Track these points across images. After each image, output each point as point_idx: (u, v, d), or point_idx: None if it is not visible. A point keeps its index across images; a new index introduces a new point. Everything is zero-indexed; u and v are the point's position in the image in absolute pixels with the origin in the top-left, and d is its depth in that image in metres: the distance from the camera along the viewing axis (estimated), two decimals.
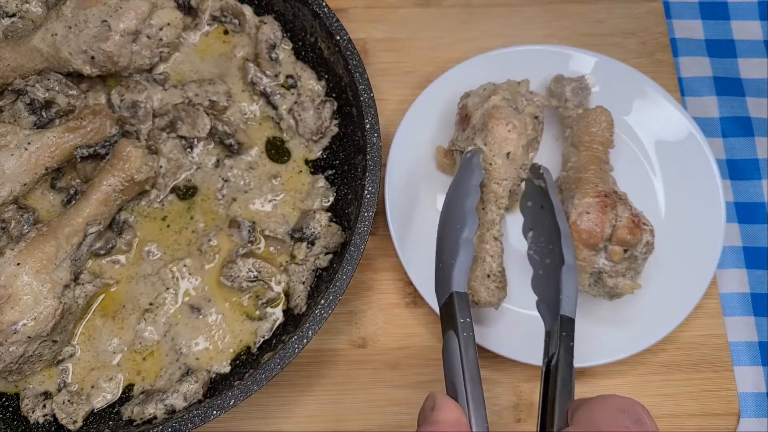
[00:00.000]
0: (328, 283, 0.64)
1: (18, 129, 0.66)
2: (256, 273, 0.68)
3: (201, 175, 0.72)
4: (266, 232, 0.70)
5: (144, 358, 0.66)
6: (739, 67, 0.89)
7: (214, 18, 0.77)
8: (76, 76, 0.72)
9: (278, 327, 0.68)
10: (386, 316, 0.75)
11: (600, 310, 0.72)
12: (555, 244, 0.62)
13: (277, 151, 0.74)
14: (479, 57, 0.80)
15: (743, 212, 0.82)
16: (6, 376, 0.62)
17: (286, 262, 0.70)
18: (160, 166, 0.70)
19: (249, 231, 0.69)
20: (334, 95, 0.75)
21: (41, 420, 0.63)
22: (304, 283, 0.68)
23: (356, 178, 0.69)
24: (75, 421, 0.63)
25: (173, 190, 0.72)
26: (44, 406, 0.63)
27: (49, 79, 0.70)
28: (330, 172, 0.74)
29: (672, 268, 0.73)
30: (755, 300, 0.78)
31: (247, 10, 0.77)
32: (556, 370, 0.55)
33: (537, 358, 0.69)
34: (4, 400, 0.64)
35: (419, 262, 0.71)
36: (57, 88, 0.70)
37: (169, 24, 0.71)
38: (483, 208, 0.69)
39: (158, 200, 0.71)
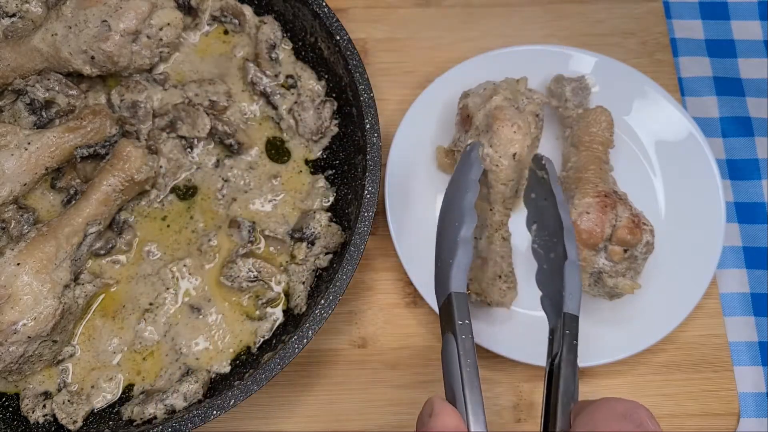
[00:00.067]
0: (328, 283, 0.64)
1: (18, 129, 0.66)
2: (256, 273, 0.68)
3: (201, 175, 0.72)
4: (266, 232, 0.70)
5: (144, 358, 0.66)
6: (739, 67, 0.89)
7: (214, 18, 0.77)
8: (76, 76, 0.72)
9: (278, 327, 0.68)
10: (386, 316, 0.75)
11: (600, 310, 0.72)
12: (558, 238, 0.61)
13: (277, 151, 0.74)
14: (479, 57, 0.80)
15: (743, 212, 0.82)
16: (6, 376, 0.62)
17: (286, 262, 0.70)
18: (160, 166, 0.70)
19: (249, 231, 0.69)
20: (334, 95, 0.75)
21: (41, 420, 0.63)
22: (304, 283, 0.68)
23: (356, 178, 0.69)
24: (75, 421, 0.63)
25: (173, 190, 0.72)
26: (44, 406, 0.63)
27: (49, 79, 0.70)
28: (330, 172, 0.74)
29: (672, 268, 0.73)
30: (755, 300, 0.78)
31: (247, 10, 0.77)
32: (559, 370, 0.54)
33: (537, 358, 0.69)
34: (4, 400, 0.64)
35: (419, 262, 0.71)
36: (57, 88, 0.70)
37: (169, 24, 0.71)
38: (490, 209, 0.70)
39: (158, 200, 0.71)
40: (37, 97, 0.70)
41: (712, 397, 0.73)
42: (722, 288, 0.78)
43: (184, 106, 0.72)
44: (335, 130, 0.75)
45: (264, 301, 0.68)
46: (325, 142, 0.75)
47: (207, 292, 0.68)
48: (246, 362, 0.66)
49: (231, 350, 0.67)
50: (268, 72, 0.75)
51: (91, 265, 0.68)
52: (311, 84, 0.76)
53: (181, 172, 0.72)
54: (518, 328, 0.71)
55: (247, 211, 0.71)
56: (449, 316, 0.54)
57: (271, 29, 0.75)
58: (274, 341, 0.67)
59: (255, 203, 0.72)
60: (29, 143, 0.66)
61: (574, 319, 0.57)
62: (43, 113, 0.70)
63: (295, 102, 0.74)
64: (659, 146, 0.78)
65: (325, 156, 0.74)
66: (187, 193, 0.72)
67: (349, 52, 0.70)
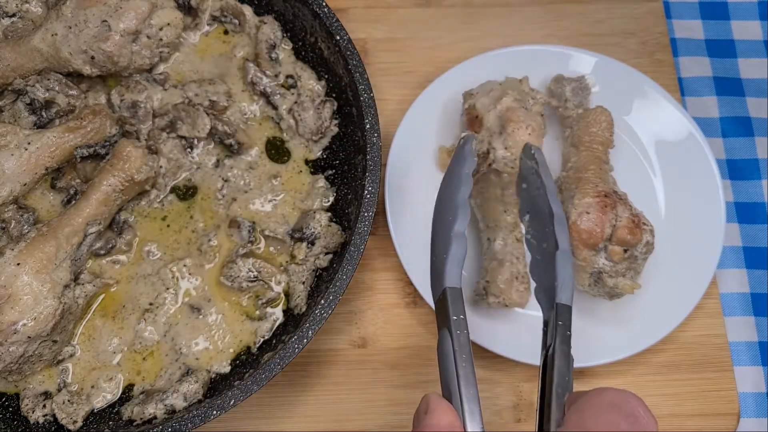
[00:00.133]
0: (328, 283, 0.64)
1: (18, 129, 0.66)
2: (256, 273, 0.68)
3: (201, 175, 0.72)
4: (266, 232, 0.70)
5: (144, 358, 0.66)
6: (739, 67, 0.89)
7: (214, 18, 0.77)
8: (76, 76, 0.72)
9: (278, 327, 0.68)
10: (386, 316, 0.75)
11: (600, 310, 0.72)
12: (550, 228, 0.61)
13: (277, 151, 0.74)
14: (479, 57, 0.80)
15: (743, 212, 0.82)
16: (6, 376, 0.62)
17: (286, 262, 0.70)
18: (160, 166, 0.70)
19: (249, 231, 0.69)
20: (334, 95, 0.75)
21: (41, 420, 0.63)
22: (304, 283, 0.68)
23: (356, 178, 0.69)
24: (75, 421, 0.63)
25: (173, 190, 0.72)
26: (44, 406, 0.63)
27: (49, 79, 0.70)
28: (330, 172, 0.74)
29: (672, 268, 0.73)
30: (755, 300, 0.78)
31: (247, 10, 0.77)
32: (552, 362, 0.54)
33: (537, 358, 0.68)
34: (4, 400, 0.64)
35: (419, 262, 0.71)
36: (57, 88, 0.70)
37: (169, 24, 0.71)
38: (504, 211, 0.70)
39: (158, 200, 0.71)
40: (37, 97, 0.70)
41: (712, 397, 0.73)
42: (722, 288, 0.78)
43: (184, 106, 0.72)
44: (335, 130, 0.75)
45: (264, 301, 0.68)
46: (325, 142, 0.75)
47: (207, 292, 0.68)
48: (246, 362, 0.66)
49: (231, 350, 0.67)
50: (268, 72, 0.75)
51: (91, 265, 0.68)
52: (311, 84, 0.76)
53: (181, 172, 0.72)
54: (518, 328, 0.71)
55: (247, 211, 0.71)
56: (444, 312, 0.54)
57: (271, 29, 0.75)
58: (274, 341, 0.67)
59: (255, 203, 0.72)
60: (29, 143, 0.66)
61: (567, 310, 0.57)
62: (43, 113, 0.70)
63: (295, 102, 0.74)
64: (659, 146, 0.78)
65: (325, 156, 0.74)
66: (187, 193, 0.72)
67: (349, 52, 0.70)
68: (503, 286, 0.68)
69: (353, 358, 0.73)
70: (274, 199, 0.72)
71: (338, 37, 0.70)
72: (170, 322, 0.67)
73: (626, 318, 0.72)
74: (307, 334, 0.61)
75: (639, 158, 0.78)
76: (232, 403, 0.58)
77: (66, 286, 0.62)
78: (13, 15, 0.74)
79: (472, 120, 0.73)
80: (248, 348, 0.67)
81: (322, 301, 0.62)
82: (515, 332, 0.71)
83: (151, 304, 0.67)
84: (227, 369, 0.66)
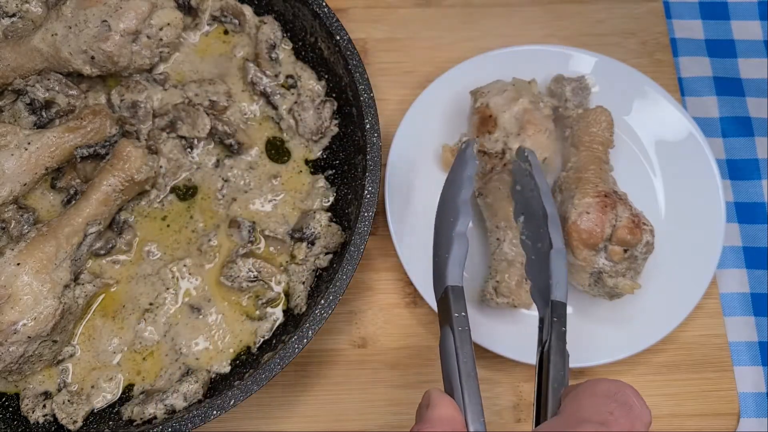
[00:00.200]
0: (328, 283, 0.64)
1: (18, 129, 0.66)
2: (256, 273, 0.68)
3: (201, 175, 0.72)
4: (266, 232, 0.70)
5: (144, 358, 0.66)
6: (739, 67, 0.89)
7: (214, 18, 0.77)
8: (76, 76, 0.72)
9: (278, 327, 0.68)
10: (386, 316, 0.75)
11: (600, 310, 0.72)
12: (544, 228, 0.62)
13: (277, 151, 0.74)
14: (479, 57, 0.80)
15: (743, 212, 0.82)
16: (6, 376, 0.62)
17: (286, 262, 0.70)
18: (160, 166, 0.70)
19: (249, 231, 0.69)
20: (334, 95, 0.75)
21: (41, 420, 0.63)
22: (304, 283, 0.68)
23: (356, 178, 0.69)
24: (75, 421, 0.63)
25: (173, 190, 0.72)
26: (44, 406, 0.63)
27: (49, 79, 0.70)
28: (330, 172, 0.74)
29: (672, 268, 0.73)
30: (755, 300, 0.78)
31: (247, 10, 0.77)
32: (548, 357, 0.54)
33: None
34: (4, 400, 0.64)
35: (419, 262, 0.71)
36: (57, 88, 0.70)
37: (169, 24, 0.71)
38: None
39: (158, 200, 0.71)
40: (37, 97, 0.70)
41: (712, 397, 0.73)
42: (722, 288, 0.78)
43: (184, 106, 0.72)
44: (335, 130, 0.75)
45: (264, 301, 0.68)
46: (325, 142, 0.75)
47: (207, 292, 0.68)
48: (246, 362, 0.66)
49: (231, 350, 0.67)
50: (268, 72, 0.75)
51: (91, 265, 0.68)
52: (311, 84, 0.76)
53: (181, 172, 0.72)
54: (518, 328, 0.71)
55: (247, 211, 0.71)
56: (446, 309, 0.55)
57: (271, 29, 0.75)
58: (274, 341, 0.67)
59: (255, 203, 0.72)
60: (29, 143, 0.66)
61: (562, 306, 0.58)
62: (43, 113, 0.70)
63: (295, 102, 0.74)
64: (659, 146, 0.78)
65: (325, 156, 0.74)
66: (187, 193, 0.72)
67: (349, 52, 0.70)
68: (515, 288, 0.68)
69: (353, 358, 0.73)
70: (274, 199, 0.72)
71: (338, 37, 0.70)
72: (170, 322, 0.67)
73: (626, 318, 0.72)
74: (307, 334, 0.61)
75: (639, 158, 0.78)
76: (232, 403, 0.58)
77: (66, 286, 0.62)
78: (13, 15, 0.74)
79: (485, 119, 0.73)
80: (248, 348, 0.67)
81: (322, 301, 0.62)
82: (515, 332, 0.71)
83: (151, 304, 0.68)
84: (227, 369, 0.66)
